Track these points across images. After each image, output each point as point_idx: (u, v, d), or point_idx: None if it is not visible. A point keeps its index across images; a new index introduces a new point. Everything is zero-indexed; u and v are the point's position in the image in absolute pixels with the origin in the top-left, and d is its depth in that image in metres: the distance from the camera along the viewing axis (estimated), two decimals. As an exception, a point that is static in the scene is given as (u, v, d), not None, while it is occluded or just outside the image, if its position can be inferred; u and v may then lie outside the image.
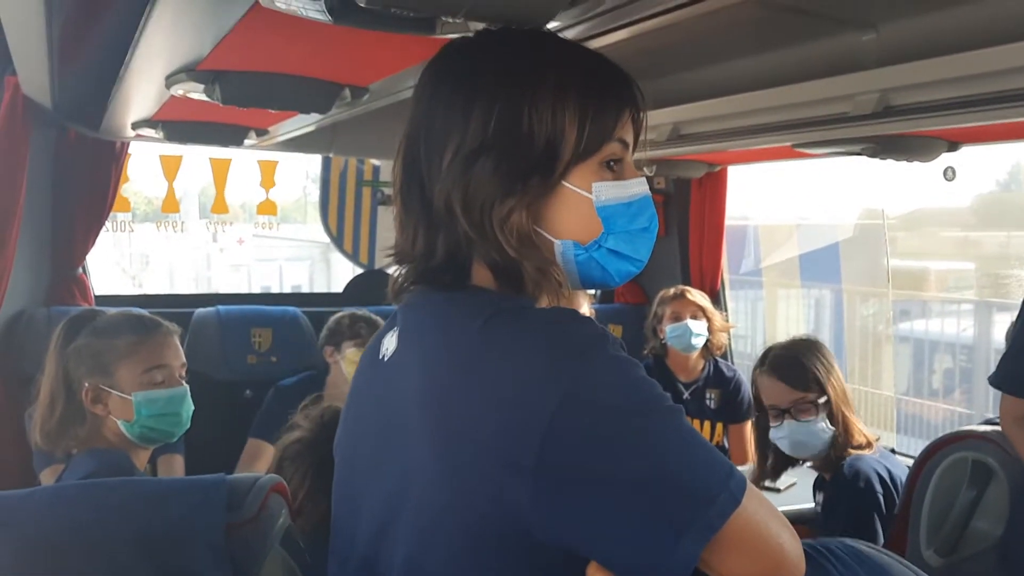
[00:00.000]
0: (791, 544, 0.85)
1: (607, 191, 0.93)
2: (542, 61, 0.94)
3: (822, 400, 2.18)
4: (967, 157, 2.64)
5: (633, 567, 0.80)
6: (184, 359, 1.68)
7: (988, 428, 1.70)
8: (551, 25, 1.22)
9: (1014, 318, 1.73)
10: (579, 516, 0.79)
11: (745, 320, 5.99)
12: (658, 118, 2.80)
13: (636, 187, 0.96)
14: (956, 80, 1.93)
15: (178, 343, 1.69)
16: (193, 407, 1.66)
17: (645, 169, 3.18)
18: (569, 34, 1.41)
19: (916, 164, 2.55)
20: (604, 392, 0.80)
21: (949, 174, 2.99)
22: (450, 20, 1.08)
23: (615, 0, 1.30)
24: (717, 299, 3.80)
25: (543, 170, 0.91)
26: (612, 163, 0.95)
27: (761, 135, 2.48)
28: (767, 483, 2.46)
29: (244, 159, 4.12)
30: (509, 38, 0.97)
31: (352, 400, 1.04)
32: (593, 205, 0.93)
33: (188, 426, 1.65)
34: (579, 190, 0.92)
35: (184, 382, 1.66)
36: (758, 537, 0.83)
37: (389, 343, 0.96)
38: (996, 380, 1.67)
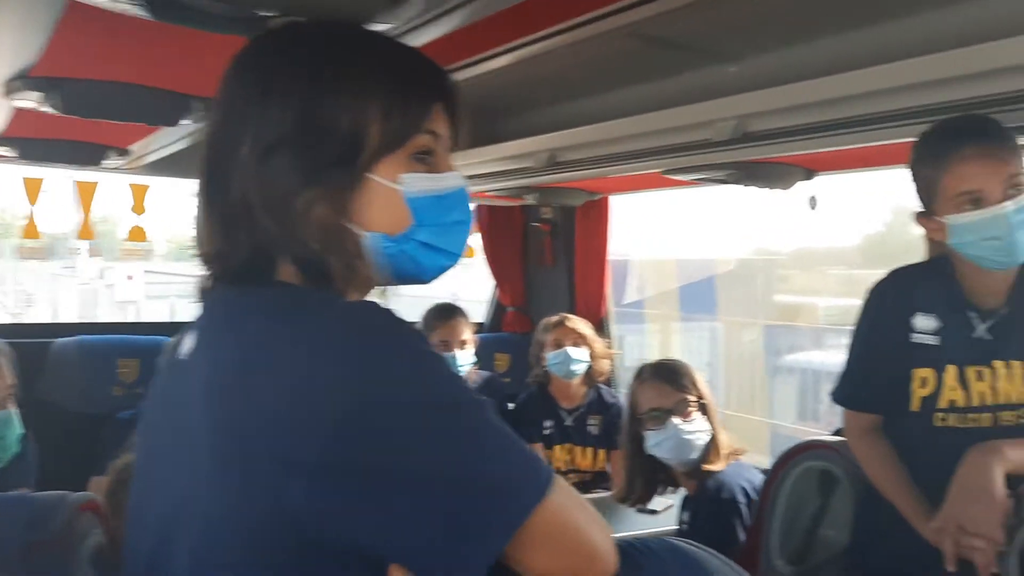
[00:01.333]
0: (602, 539, 0.84)
1: (417, 183, 0.91)
2: (345, 52, 0.92)
3: (702, 402, 2.26)
4: (857, 200, 2.76)
5: (432, 566, 0.78)
6: (13, 382, 1.58)
7: (834, 439, 1.76)
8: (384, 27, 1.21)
9: None
10: (371, 515, 0.76)
11: (632, 350, 6.11)
12: (535, 145, 2.84)
13: (450, 180, 0.95)
14: (807, 106, 2.01)
15: (5, 366, 1.59)
16: (21, 431, 1.56)
17: (527, 197, 3.21)
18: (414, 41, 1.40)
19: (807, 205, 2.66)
20: (400, 387, 0.78)
21: (812, 203, 3.12)
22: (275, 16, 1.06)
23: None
24: (602, 327, 3.85)
25: (345, 162, 0.89)
26: (423, 155, 0.93)
27: (632, 161, 2.54)
28: (647, 506, 2.47)
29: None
30: (313, 30, 0.96)
31: (147, 405, 0.99)
32: (403, 197, 0.91)
33: (16, 450, 1.55)
34: (386, 182, 0.90)
35: (10, 406, 1.56)
36: (566, 532, 0.82)
37: (187, 343, 0.91)
38: (838, 397, 1.73)
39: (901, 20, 1.97)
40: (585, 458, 3.32)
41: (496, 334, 4.15)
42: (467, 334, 3.15)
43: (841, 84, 1.89)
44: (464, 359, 3.13)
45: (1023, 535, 1.37)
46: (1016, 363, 1.55)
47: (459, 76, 2.90)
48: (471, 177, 3.24)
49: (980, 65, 1.63)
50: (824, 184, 2.93)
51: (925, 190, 1.61)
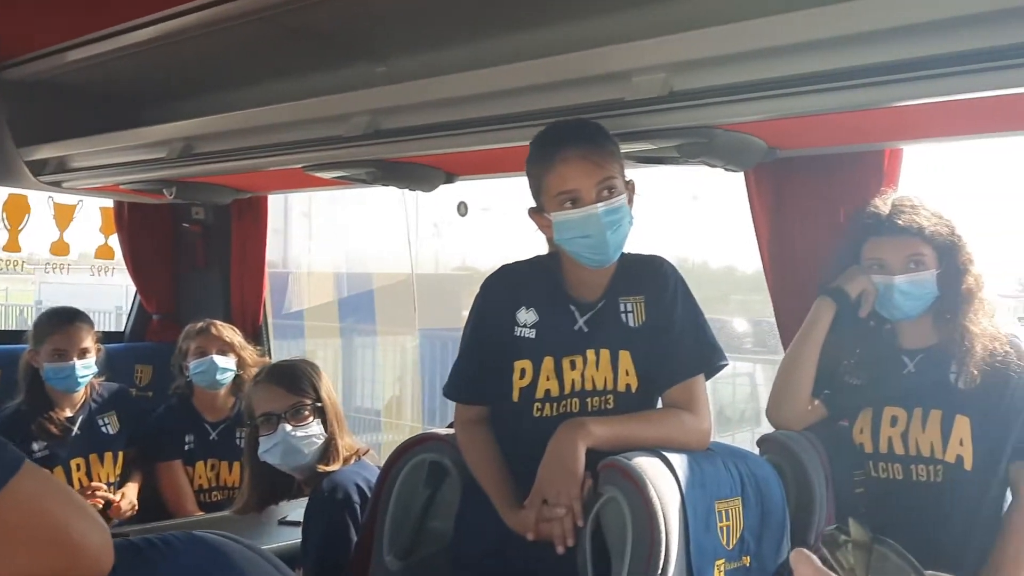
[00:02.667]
0: (90, 534, 0.73)
1: None
2: None
3: (319, 405, 2.19)
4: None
5: None
6: None
7: (448, 431, 1.78)
8: None
9: None
10: None
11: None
12: (168, 133, 2.63)
13: None
14: (437, 104, 2.03)
15: None
16: None
17: (165, 192, 2.96)
18: None
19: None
20: None
21: (462, 209, 3.21)
22: None
23: None
24: (260, 335, 3.67)
25: None
26: None
27: (270, 155, 2.42)
28: (287, 517, 2.35)
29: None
30: None
31: None
32: None
33: None
34: None
35: None
36: (39, 525, 0.70)
37: None
38: (448, 392, 1.76)
39: (528, 31, 2.07)
40: (232, 474, 3.12)
41: (139, 343, 3.79)
42: (88, 342, 2.81)
43: (467, 83, 1.94)
44: (84, 369, 2.79)
45: (596, 510, 1.46)
46: (604, 351, 1.66)
47: (79, 55, 2.63)
48: (102, 167, 2.93)
49: (585, 71, 1.75)
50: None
51: (536, 188, 1.68)
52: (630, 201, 1.70)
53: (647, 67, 1.64)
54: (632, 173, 1.73)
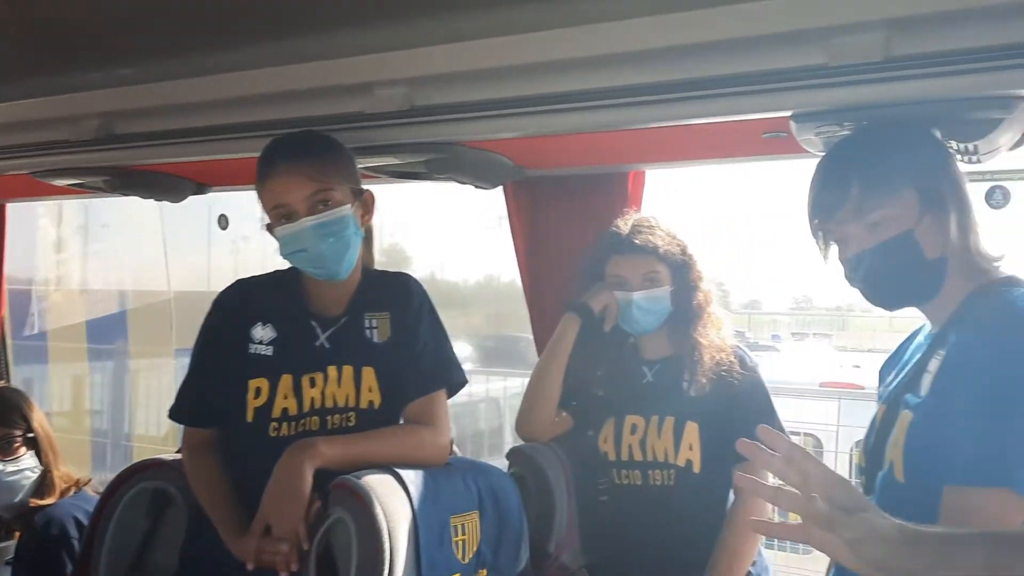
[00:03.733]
0: None
1: None
2: None
3: (30, 436, 2.00)
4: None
5: None
6: None
7: (174, 456, 1.67)
8: None
9: None
10: None
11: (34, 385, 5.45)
12: None
13: None
14: (179, 109, 1.92)
15: None
16: None
17: None
18: None
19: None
20: None
21: (222, 222, 3.06)
22: None
23: None
24: (-2, 358, 3.31)
25: None
26: None
27: (-7, 159, 2.20)
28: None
29: None
30: None
31: None
32: None
33: None
34: None
35: None
36: None
37: None
38: (173, 414, 1.66)
39: (273, 40, 1.99)
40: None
41: None
42: None
43: (205, 89, 1.84)
44: None
45: (324, 532, 1.41)
46: (347, 367, 1.62)
47: None
48: None
49: (326, 82, 1.71)
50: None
51: (261, 203, 1.62)
52: (367, 213, 1.68)
53: (388, 81, 1.63)
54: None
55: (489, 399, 6.09)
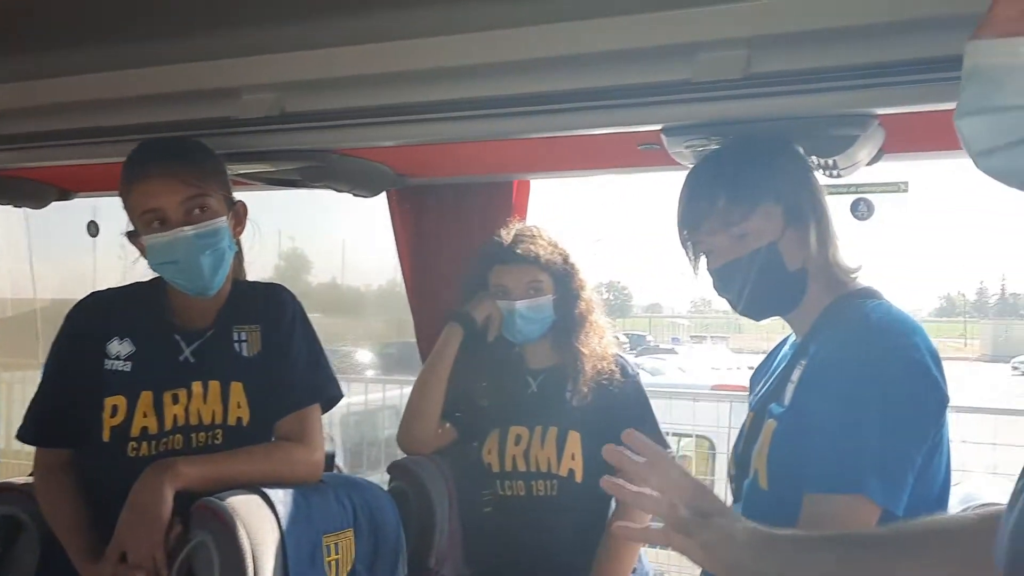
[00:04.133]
0: None
1: None
2: None
3: None
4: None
5: None
6: None
7: (25, 480, 1.57)
8: None
9: None
10: None
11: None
12: None
13: None
14: (34, 111, 1.82)
15: None
16: None
17: None
18: None
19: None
20: None
21: (92, 229, 2.92)
22: None
23: None
24: None
25: None
26: None
27: None
28: None
29: None
30: None
31: None
32: None
33: None
34: None
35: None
36: None
37: None
38: (24, 435, 1.56)
39: (135, 41, 1.90)
40: None
41: None
42: None
43: (61, 90, 1.75)
44: None
45: (185, 556, 1.35)
46: (213, 382, 1.56)
47: None
48: None
49: (191, 85, 1.64)
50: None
51: (127, 208, 1.55)
52: (239, 225, 1.62)
53: (257, 85, 1.58)
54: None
55: (388, 407, 6.03)
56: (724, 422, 4.73)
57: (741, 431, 1.55)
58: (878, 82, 1.24)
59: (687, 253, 1.49)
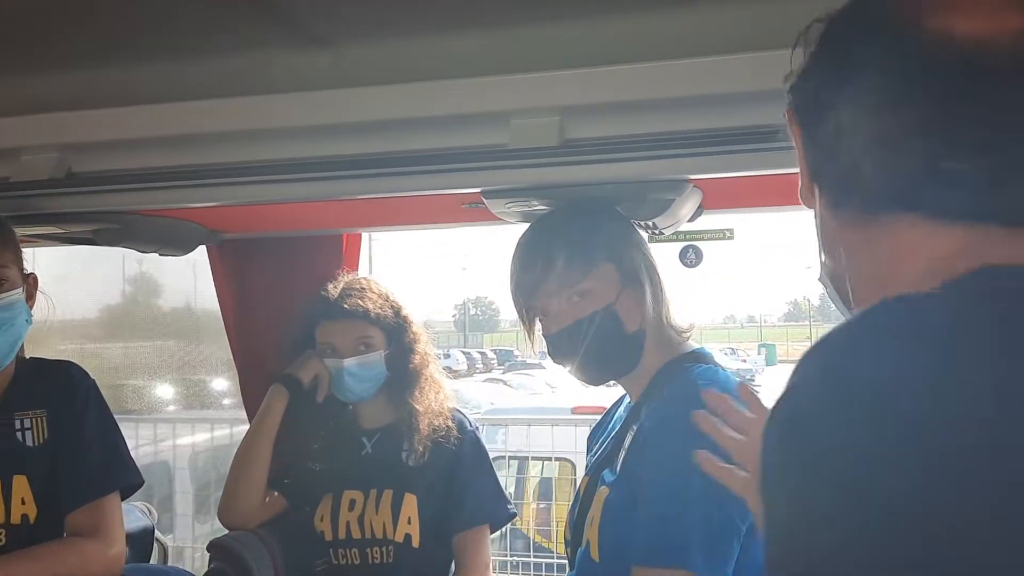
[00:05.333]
0: None
1: None
2: None
3: None
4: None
5: None
6: None
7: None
8: None
9: None
10: None
11: None
12: None
13: None
14: None
15: None
16: None
17: None
18: None
19: None
20: None
21: None
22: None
23: None
24: None
25: None
26: None
27: None
28: None
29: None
30: None
31: None
32: None
33: None
34: None
35: None
36: None
37: None
38: None
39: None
40: None
41: None
42: None
43: None
44: None
45: None
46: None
47: None
48: None
49: None
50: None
51: None
52: (31, 299, 1.47)
53: (38, 146, 1.43)
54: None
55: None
56: (583, 447, 4.80)
57: (577, 494, 1.52)
58: (689, 152, 1.24)
59: (522, 321, 1.46)
